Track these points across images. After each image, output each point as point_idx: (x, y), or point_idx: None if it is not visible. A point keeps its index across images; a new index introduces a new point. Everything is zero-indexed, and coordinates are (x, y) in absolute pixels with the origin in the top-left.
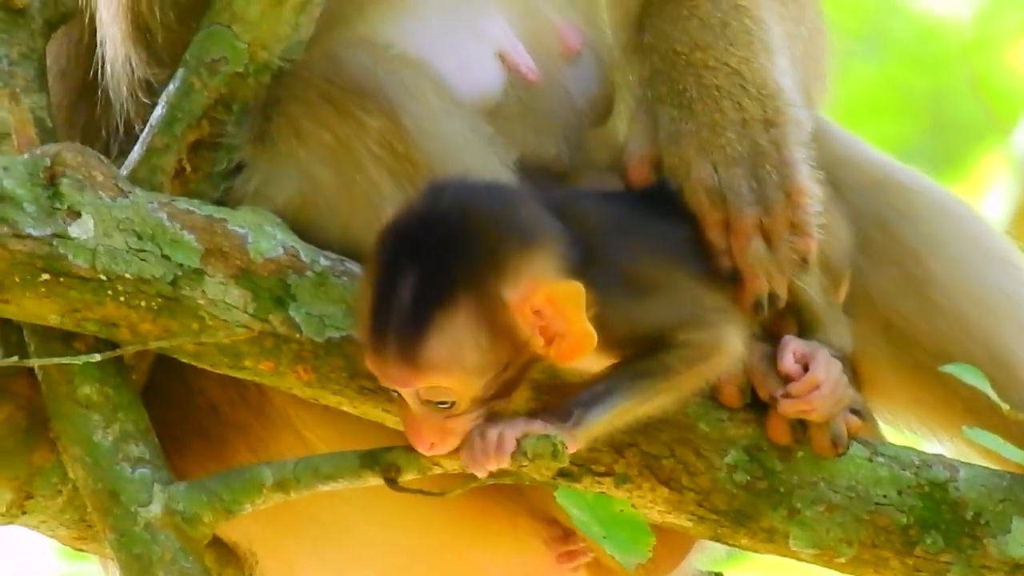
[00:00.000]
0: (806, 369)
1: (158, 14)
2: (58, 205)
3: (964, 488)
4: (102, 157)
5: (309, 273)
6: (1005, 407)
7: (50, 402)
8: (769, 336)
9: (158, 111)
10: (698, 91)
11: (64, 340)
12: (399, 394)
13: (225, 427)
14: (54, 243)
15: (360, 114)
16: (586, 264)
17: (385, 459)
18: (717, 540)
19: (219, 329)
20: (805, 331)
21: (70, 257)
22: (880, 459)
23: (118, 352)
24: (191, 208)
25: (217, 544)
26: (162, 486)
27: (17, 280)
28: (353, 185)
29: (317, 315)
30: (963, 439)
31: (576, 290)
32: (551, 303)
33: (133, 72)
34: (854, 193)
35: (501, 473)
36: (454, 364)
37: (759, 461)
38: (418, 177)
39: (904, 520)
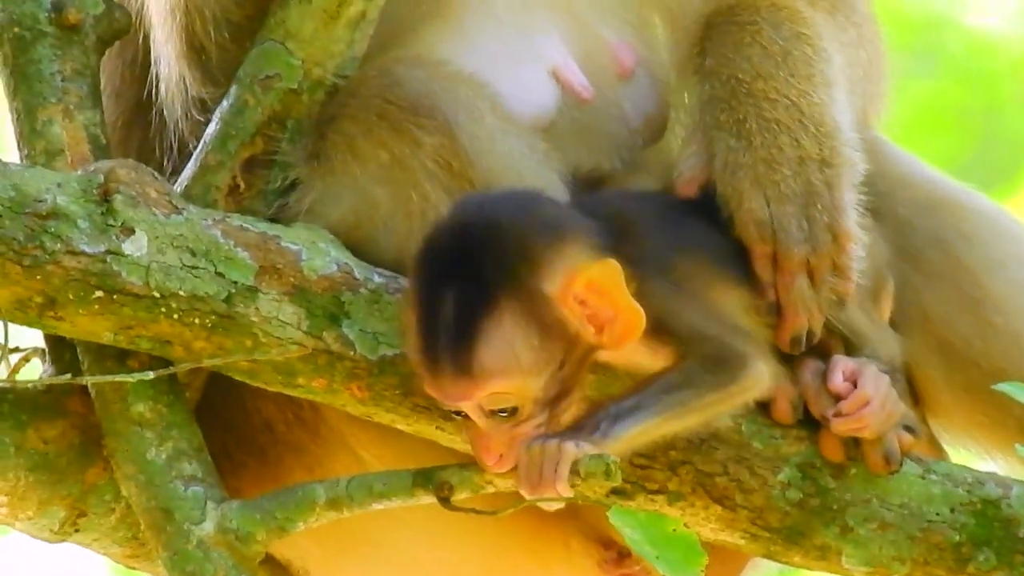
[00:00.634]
0: (856, 387)
1: (212, 33)
2: (112, 222)
3: (1017, 505)
4: (155, 174)
5: (363, 290)
6: None
7: (103, 420)
8: (820, 353)
9: (212, 128)
10: (758, 123)
11: (118, 358)
12: (463, 415)
13: (280, 446)
14: (107, 260)
15: (416, 132)
16: (619, 244)
17: (438, 477)
18: (770, 558)
19: (272, 347)
20: (853, 349)
21: (124, 274)
22: (933, 476)
23: (172, 370)
24: (245, 225)
25: (270, 562)
26: (215, 504)
27: (71, 297)
28: (409, 203)
29: (371, 332)
30: (1016, 457)
31: (613, 267)
32: (592, 287)
33: (187, 91)
34: (910, 211)
35: None
36: (509, 367)
37: (812, 479)
38: None
39: (957, 538)
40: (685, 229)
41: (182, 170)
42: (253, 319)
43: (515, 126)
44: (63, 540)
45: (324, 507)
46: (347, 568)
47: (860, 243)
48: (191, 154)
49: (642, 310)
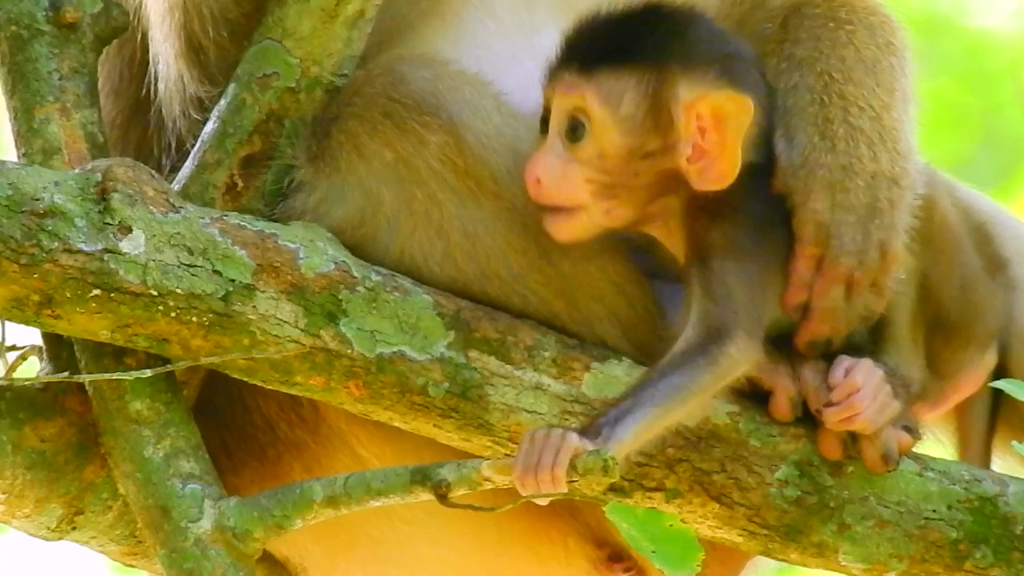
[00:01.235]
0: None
1: (211, 32)
2: (109, 220)
3: (1014, 503)
4: (153, 172)
5: (361, 288)
6: None
7: (101, 418)
8: (826, 355)
9: (210, 126)
10: (844, 129)
11: (115, 356)
12: (544, 124)
13: (280, 445)
14: (105, 258)
15: (421, 130)
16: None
17: (435, 474)
18: (767, 555)
19: (270, 345)
20: (879, 350)
21: (121, 272)
22: (930, 474)
23: (169, 368)
24: (242, 223)
25: (268, 560)
26: (213, 502)
27: (68, 295)
28: (413, 201)
29: (369, 330)
30: (1014, 454)
31: (746, 106)
32: (717, 115)
33: (185, 89)
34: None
35: None
36: (611, 98)
37: (810, 476)
38: (481, 193)
39: (954, 535)
40: (770, 203)
41: (180, 169)
42: (251, 317)
43: (521, 123)
44: (61, 538)
45: (322, 505)
46: (345, 566)
47: (901, 265)
48: (189, 153)
49: (739, 165)
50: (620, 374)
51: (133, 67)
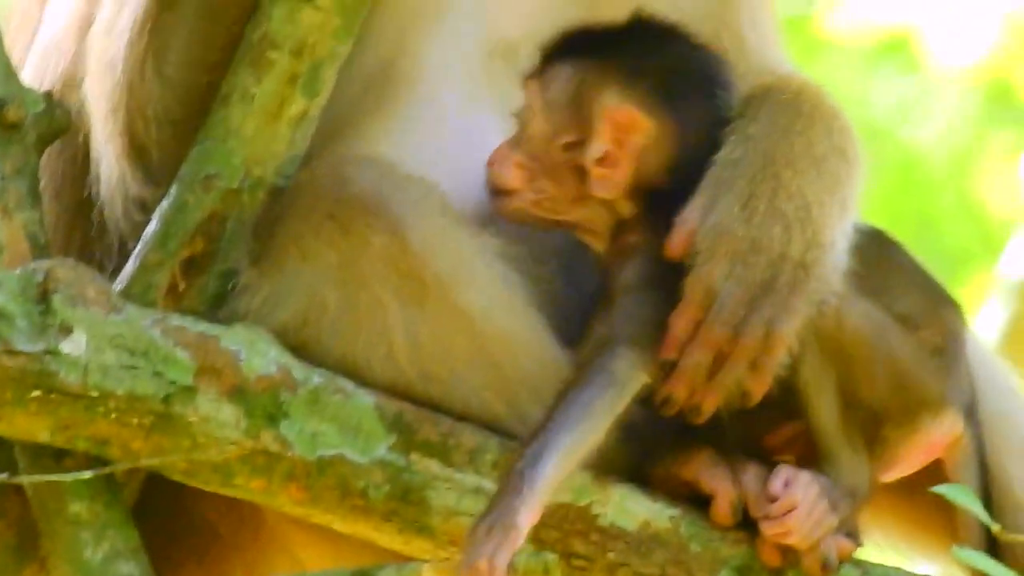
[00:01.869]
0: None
1: (154, 132)
2: (50, 321)
3: None
4: (95, 273)
5: (302, 391)
6: (996, 527)
7: (40, 520)
8: (766, 460)
9: (152, 227)
10: (766, 207)
11: (55, 457)
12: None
13: (220, 547)
14: (45, 359)
15: (366, 232)
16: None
17: None
18: None
19: (211, 447)
20: (820, 462)
21: (62, 373)
22: None
23: (109, 469)
24: (184, 325)
25: None
26: None
27: (8, 397)
28: (357, 303)
29: (310, 433)
30: (954, 560)
31: (667, 130)
32: (633, 128)
33: (128, 190)
34: None
35: None
36: (544, 87)
37: None
38: (424, 296)
39: None
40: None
41: (122, 269)
42: (191, 419)
43: (466, 226)
44: None
45: None
46: None
47: (788, 352)
48: (131, 253)
49: (624, 184)
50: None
51: (76, 167)
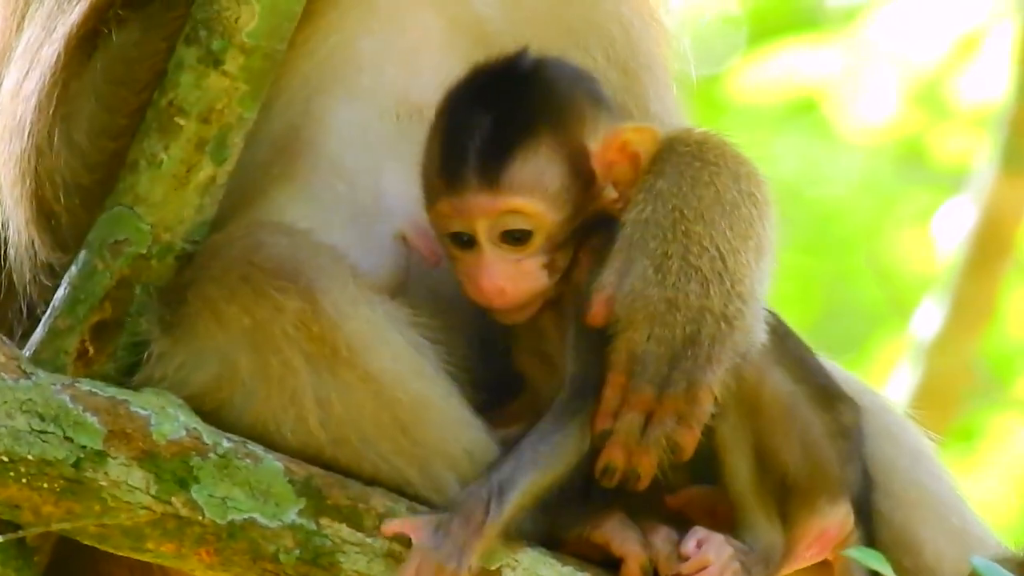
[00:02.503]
0: None
1: (62, 198)
2: None
3: None
4: (4, 338)
5: (212, 455)
6: None
7: None
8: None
9: (61, 293)
10: (680, 265)
11: None
12: (468, 241)
13: None
14: None
15: (278, 296)
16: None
17: None
18: None
19: (121, 511)
20: (735, 526)
21: None
22: None
23: (20, 534)
24: (94, 390)
25: None
26: None
27: None
28: (269, 368)
29: (220, 497)
30: None
31: (651, 133)
32: (626, 150)
33: (36, 256)
34: None
35: None
36: (538, 185)
37: None
38: (335, 361)
39: None
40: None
41: (32, 334)
42: (102, 483)
43: (376, 293)
44: None
45: None
46: None
47: (713, 401)
48: (40, 319)
49: None
50: None
51: None
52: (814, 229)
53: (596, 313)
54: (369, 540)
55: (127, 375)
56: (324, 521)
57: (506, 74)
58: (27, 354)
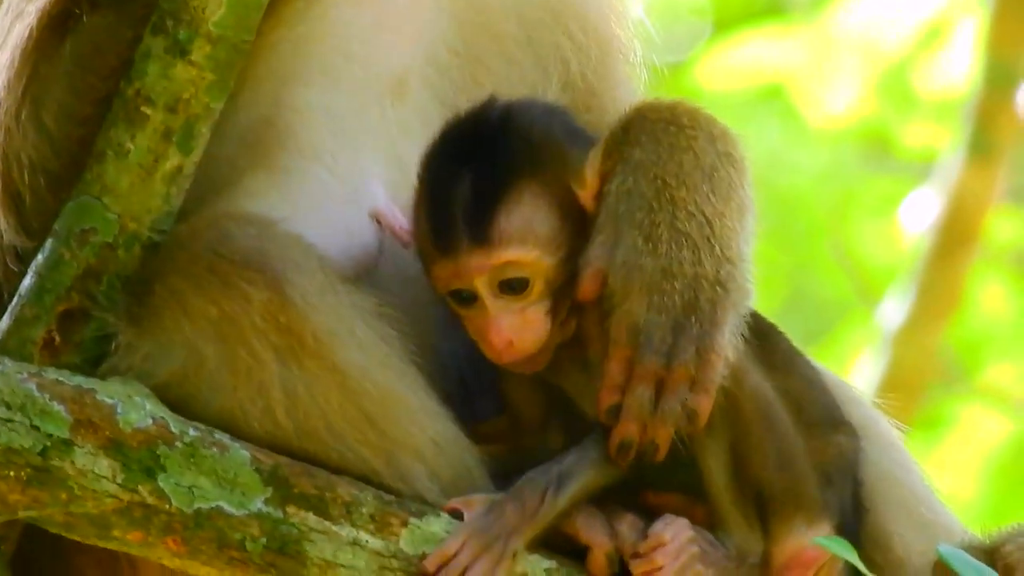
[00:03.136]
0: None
1: (28, 180)
2: None
3: None
4: None
5: (179, 444)
6: None
7: None
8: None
9: (27, 282)
10: (669, 233)
11: None
12: (470, 298)
13: None
14: None
15: (246, 287)
16: None
17: None
18: None
19: (88, 499)
20: (714, 527)
21: None
22: None
23: None
24: (60, 379)
25: None
26: None
27: None
28: (236, 359)
29: (187, 486)
30: None
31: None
32: (594, 186)
33: (2, 238)
34: None
35: None
36: (528, 234)
37: None
38: (302, 351)
39: None
40: None
41: None
42: (69, 472)
43: (345, 284)
44: None
45: None
46: None
47: (726, 362)
48: (7, 306)
49: None
50: (438, 530)
51: None
52: (780, 218)
53: (586, 288)
54: (336, 528)
55: (94, 365)
56: (291, 509)
57: (478, 128)
58: None
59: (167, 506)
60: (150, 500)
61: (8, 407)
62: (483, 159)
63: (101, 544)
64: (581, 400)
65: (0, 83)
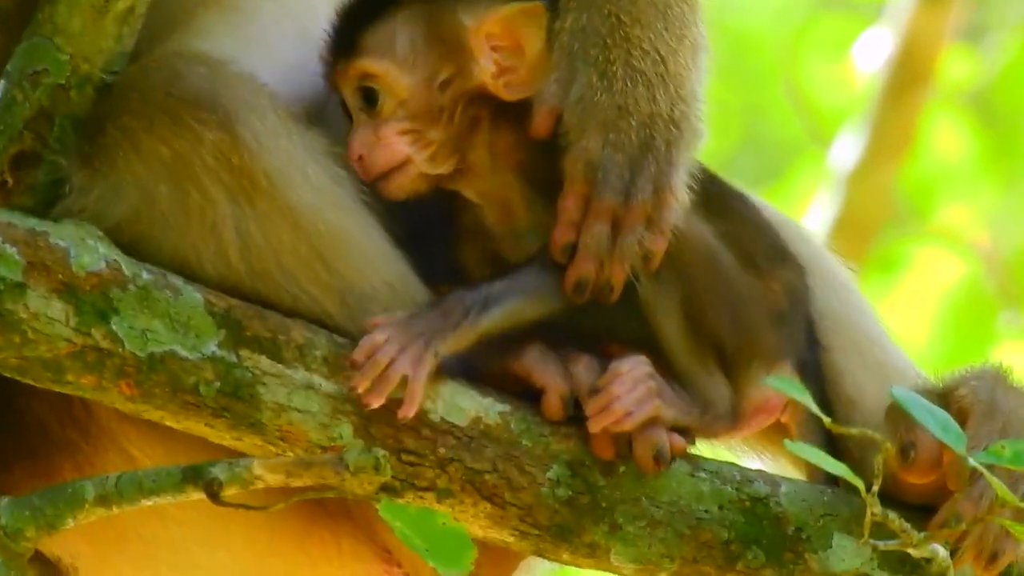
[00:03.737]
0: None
1: None
2: None
3: (785, 503)
4: None
5: (132, 287)
6: (827, 420)
7: None
8: (600, 354)
9: None
10: (624, 70)
11: None
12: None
13: (51, 445)
14: None
15: (197, 127)
16: None
17: (207, 474)
18: (539, 555)
19: (41, 343)
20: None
21: None
22: (702, 474)
23: None
24: (13, 221)
25: (39, 559)
26: None
27: None
28: (188, 199)
29: (140, 329)
30: (786, 456)
31: (537, 11)
32: (511, 32)
33: None
34: None
35: (323, 487)
36: (387, 49)
37: (582, 476)
38: (254, 192)
39: (725, 535)
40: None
41: None
42: (22, 316)
43: (297, 123)
44: None
45: (93, 503)
46: (117, 566)
47: (682, 203)
48: None
49: (547, 61)
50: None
51: None
52: (731, 59)
53: (539, 124)
54: (289, 372)
55: (47, 208)
56: (244, 353)
57: None
58: None
59: (120, 350)
60: (103, 344)
61: None
62: None
63: (54, 388)
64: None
65: None
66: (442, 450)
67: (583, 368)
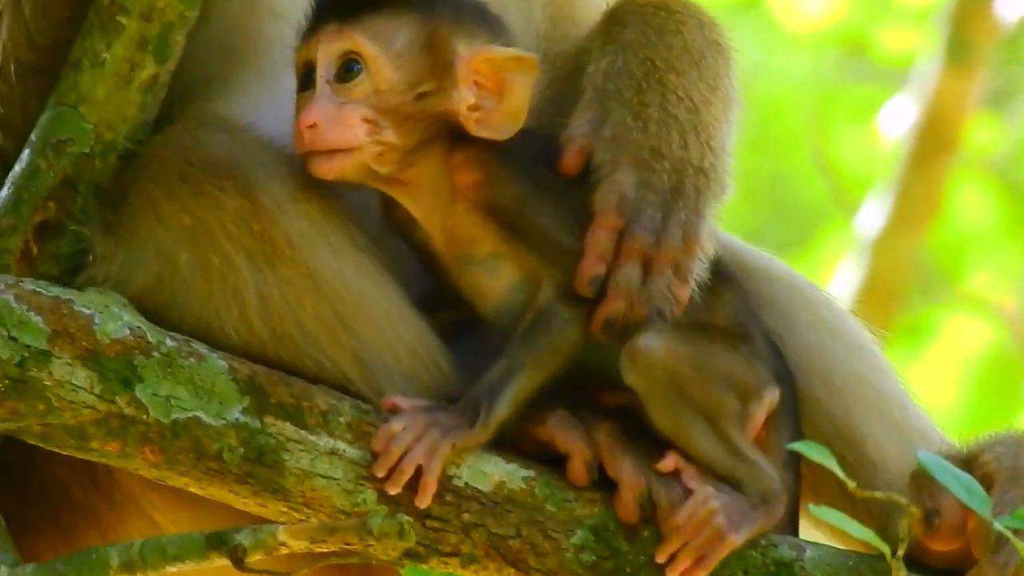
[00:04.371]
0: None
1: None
2: None
3: (810, 567)
4: None
5: (156, 354)
6: (851, 484)
7: None
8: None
9: (4, 192)
10: (659, 114)
11: None
12: (310, 80)
13: (75, 511)
14: None
15: (218, 194)
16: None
17: (232, 540)
18: None
19: (65, 410)
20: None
21: None
22: None
23: None
24: (38, 289)
25: None
26: (8, 568)
27: None
28: (210, 266)
29: (164, 396)
30: (811, 518)
31: (532, 64)
32: (498, 73)
33: None
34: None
35: (347, 553)
36: (384, 37)
37: (606, 541)
38: (276, 257)
39: None
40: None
41: None
42: (46, 383)
43: (315, 187)
44: None
45: (118, 570)
46: None
47: (706, 254)
48: None
49: (525, 113)
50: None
51: None
52: (758, 126)
53: (569, 161)
54: (313, 438)
55: (71, 276)
56: (268, 419)
57: None
58: None
59: (144, 416)
60: (127, 411)
61: None
62: None
63: (79, 455)
64: (475, 298)
65: None
66: (466, 515)
67: (605, 434)
